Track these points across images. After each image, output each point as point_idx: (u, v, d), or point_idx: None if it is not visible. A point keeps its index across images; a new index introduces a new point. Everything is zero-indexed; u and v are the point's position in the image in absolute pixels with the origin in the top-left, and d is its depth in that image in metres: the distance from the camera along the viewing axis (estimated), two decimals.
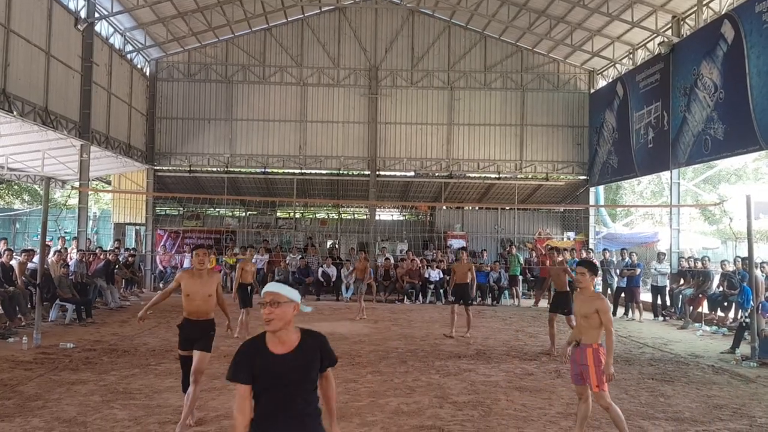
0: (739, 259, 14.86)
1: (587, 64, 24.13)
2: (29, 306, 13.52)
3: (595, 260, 18.06)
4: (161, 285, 22.08)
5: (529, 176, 24.86)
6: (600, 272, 18.79)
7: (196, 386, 6.34)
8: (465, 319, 13.17)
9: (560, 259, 13.26)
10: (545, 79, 24.57)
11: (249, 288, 12.78)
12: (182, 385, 6.66)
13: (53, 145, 15.82)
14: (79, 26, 17.37)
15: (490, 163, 24.55)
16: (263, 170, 24.44)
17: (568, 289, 12.00)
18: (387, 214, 27.98)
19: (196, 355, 6.32)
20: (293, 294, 3.35)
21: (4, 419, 6.58)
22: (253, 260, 14.60)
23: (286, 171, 24.60)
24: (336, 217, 27.65)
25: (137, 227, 25.78)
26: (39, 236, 13.47)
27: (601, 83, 23.99)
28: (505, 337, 13.21)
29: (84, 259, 16.25)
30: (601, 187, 25.21)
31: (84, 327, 13.26)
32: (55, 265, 14.33)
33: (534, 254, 21.84)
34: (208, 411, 7.09)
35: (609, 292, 18.41)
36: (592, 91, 24.32)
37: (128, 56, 21.68)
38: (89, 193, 20.69)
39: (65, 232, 23.50)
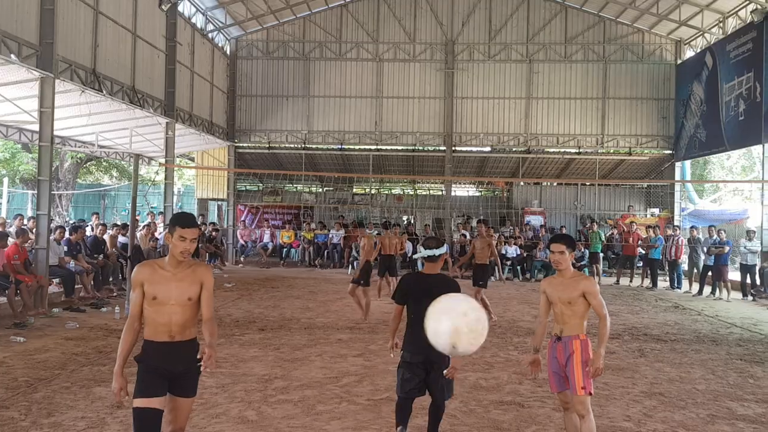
0: None
1: (674, 34, 23.14)
2: (120, 277, 14.17)
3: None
4: (242, 259, 22.68)
5: (611, 151, 24.18)
6: (674, 244, 18.22)
7: None
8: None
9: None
10: (629, 50, 23.74)
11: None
12: None
13: (140, 123, 16.34)
14: (162, 6, 17.80)
15: (569, 138, 23.99)
16: (340, 146, 24.65)
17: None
18: (463, 190, 27.79)
19: (178, 404, 4.05)
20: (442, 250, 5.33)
21: (100, 384, 6.92)
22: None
23: (362, 147, 24.73)
24: (411, 192, 27.67)
25: (219, 202, 26.54)
26: (127, 211, 14.02)
27: (689, 54, 23.00)
28: None
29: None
30: (687, 162, 24.28)
31: None
32: (144, 238, 14.91)
33: (616, 231, 21.28)
34: (291, 380, 7.26)
35: (696, 270, 17.82)
36: (679, 62, 23.34)
37: (209, 35, 22.16)
38: (174, 169, 21.35)
39: (152, 207, 24.40)
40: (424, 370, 4.98)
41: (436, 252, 5.26)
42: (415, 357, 4.98)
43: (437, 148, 24.57)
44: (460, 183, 27.00)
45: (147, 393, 3.87)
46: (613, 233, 21.22)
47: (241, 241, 23.43)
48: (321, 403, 6.46)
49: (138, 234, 14.88)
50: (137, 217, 15.50)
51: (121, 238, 15.00)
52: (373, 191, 27.37)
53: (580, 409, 4.83)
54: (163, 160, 18.73)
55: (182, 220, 4.05)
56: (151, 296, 3.92)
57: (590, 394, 4.83)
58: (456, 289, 5.02)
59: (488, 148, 24.53)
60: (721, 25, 20.50)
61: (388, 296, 14.34)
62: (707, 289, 16.87)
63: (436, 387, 5.00)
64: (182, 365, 3.98)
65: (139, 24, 16.61)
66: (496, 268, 13.35)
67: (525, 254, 20.16)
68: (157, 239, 15.85)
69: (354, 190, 27.11)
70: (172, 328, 3.95)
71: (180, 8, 19.09)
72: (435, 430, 5.16)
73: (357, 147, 24.76)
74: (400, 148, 24.73)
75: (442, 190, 26.28)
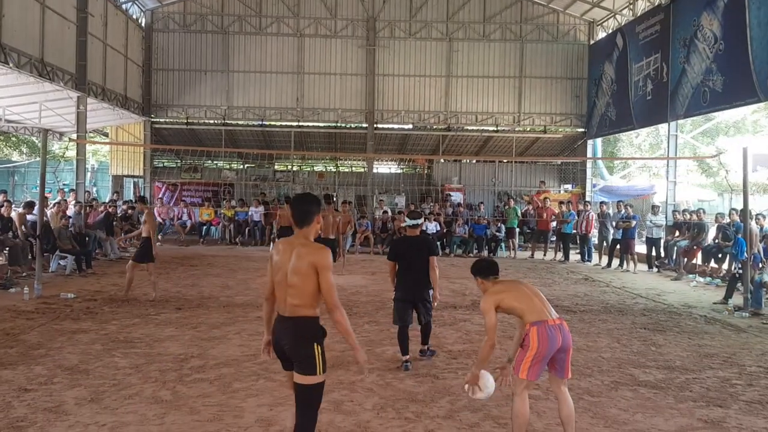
0: (734, 211, 14.93)
1: (587, 15, 23.81)
2: (30, 257, 13.67)
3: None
4: (159, 237, 22.14)
5: (527, 129, 24.79)
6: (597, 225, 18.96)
7: None
8: None
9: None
10: (544, 30, 24.28)
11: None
12: None
13: (50, 97, 15.73)
14: None
15: (488, 116, 24.44)
16: (260, 122, 24.34)
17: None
18: (385, 167, 27.96)
19: None
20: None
21: (7, 367, 6.72)
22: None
23: (283, 123, 24.49)
24: (333, 170, 27.66)
25: (135, 179, 25.81)
26: (38, 188, 13.54)
27: (601, 34, 23.71)
28: None
29: (82, 211, 16.34)
30: (599, 140, 25.16)
31: (84, 278, 13.41)
32: (54, 216, 14.41)
33: (531, 207, 21.90)
34: (208, 359, 7.24)
35: (605, 244, 18.56)
36: (592, 42, 24.05)
37: (123, 7, 21.38)
38: (87, 145, 20.61)
39: (64, 184, 23.53)
40: (412, 305, 7.35)
41: (418, 221, 7.54)
42: (405, 296, 7.34)
43: (359, 125, 24.58)
44: (381, 160, 27.14)
45: None
46: (528, 209, 21.81)
47: (159, 219, 22.85)
48: (238, 380, 6.48)
49: (48, 212, 14.36)
50: (47, 195, 14.98)
51: (29, 217, 14.42)
52: (294, 168, 27.20)
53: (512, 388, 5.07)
54: (74, 136, 18.08)
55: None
56: None
57: (520, 377, 4.92)
58: (431, 245, 7.58)
59: (409, 126, 24.72)
60: (631, 6, 21.20)
61: None
62: (615, 262, 17.62)
63: (421, 313, 7.43)
64: None
65: None
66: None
67: (445, 230, 20.50)
68: (69, 217, 15.32)
69: (275, 167, 26.86)
70: None
71: None
72: (427, 340, 7.62)
73: (278, 123, 24.50)
74: (321, 124, 24.62)
75: (364, 167, 26.37)
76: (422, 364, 7.28)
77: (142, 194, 20.73)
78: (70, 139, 19.57)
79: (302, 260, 4.02)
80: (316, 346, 4.01)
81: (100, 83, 19.30)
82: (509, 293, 5.08)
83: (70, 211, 16.07)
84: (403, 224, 7.87)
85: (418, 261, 7.34)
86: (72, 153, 20.81)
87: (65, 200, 16.73)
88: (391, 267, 7.55)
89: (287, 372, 4.20)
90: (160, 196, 24.11)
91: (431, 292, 7.43)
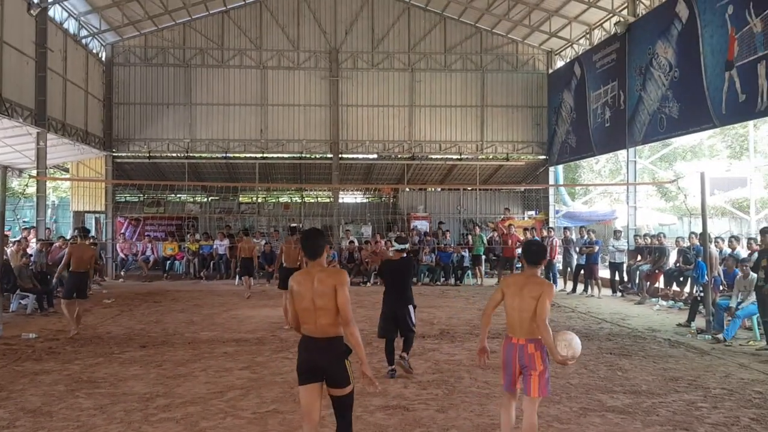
0: (694, 235, 15.22)
1: (545, 45, 24.33)
2: None
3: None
4: (122, 273, 21.80)
5: (490, 157, 25.06)
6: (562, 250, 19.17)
7: None
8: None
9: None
10: (504, 60, 24.72)
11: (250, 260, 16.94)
12: None
13: (9, 134, 15.47)
14: (32, 11, 16.91)
15: (451, 145, 24.69)
16: (224, 155, 24.22)
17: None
18: (350, 197, 27.95)
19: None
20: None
21: None
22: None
23: (247, 155, 24.40)
24: (299, 200, 27.59)
25: (97, 215, 25.39)
26: None
27: (559, 64, 24.20)
28: (468, 317, 13.42)
29: (44, 249, 16.01)
30: (560, 167, 25.52)
31: (46, 317, 13.14)
32: (15, 255, 14.10)
33: (496, 234, 22.06)
34: (174, 398, 7.11)
35: (569, 269, 18.74)
36: (551, 71, 24.53)
37: (83, 41, 21.24)
38: (48, 181, 20.28)
39: (24, 222, 23.06)
40: (394, 320, 8.18)
41: (405, 246, 8.56)
42: (388, 311, 8.23)
43: (324, 155, 24.61)
44: (347, 190, 27.16)
45: None
46: (493, 236, 21.98)
47: (121, 255, 22.53)
48: (205, 419, 6.38)
49: (8, 251, 14.05)
50: (7, 233, 14.65)
51: None
52: (259, 200, 27.07)
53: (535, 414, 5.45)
54: (34, 172, 17.79)
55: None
56: None
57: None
58: (411, 268, 8.80)
59: (374, 155, 24.83)
60: (587, 36, 21.74)
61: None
62: (580, 287, 17.82)
63: (403, 327, 8.21)
64: None
65: (7, 29, 15.67)
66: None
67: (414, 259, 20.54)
68: (30, 255, 15.00)
69: (240, 199, 26.68)
70: None
71: (51, 13, 18.20)
72: (408, 350, 8.29)
73: (242, 155, 24.41)
74: (286, 155, 24.59)
75: (329, 198, 26.37)
76: (393, 396, 7.24)
77: (83, 225, 20.38)
78: (30, 175, 19.22)
79: (324, 284, 4.56)
80: (346, 362, 4.62)
81: (60, 118, 19.08)
82: (510, 293, 5.33)
83: (31, 249, 15.74)
84: (392, 248, 8.80)
85: (400, 281, 8.28)
86: (32, 190, 20.38)
87: (26, 239, 16.38)
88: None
89: (304, 385, 4.64)
90: (122, 231, 23.77)
91: (411, 308, 8.21)
